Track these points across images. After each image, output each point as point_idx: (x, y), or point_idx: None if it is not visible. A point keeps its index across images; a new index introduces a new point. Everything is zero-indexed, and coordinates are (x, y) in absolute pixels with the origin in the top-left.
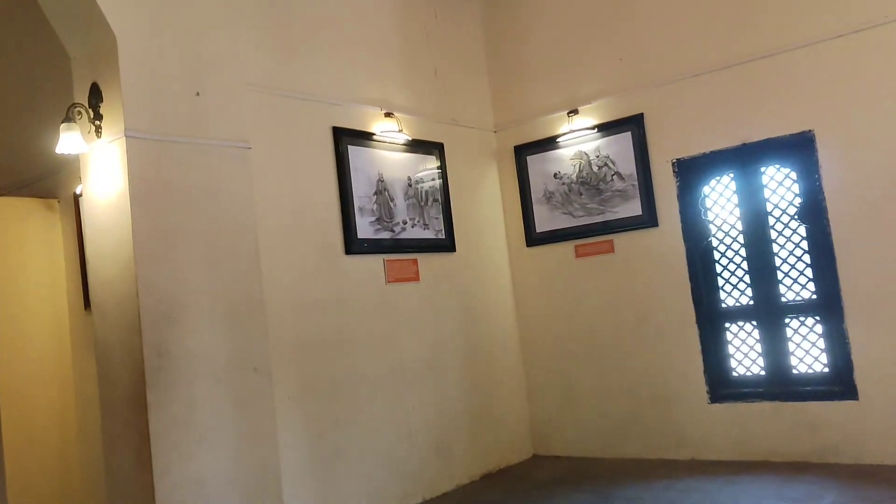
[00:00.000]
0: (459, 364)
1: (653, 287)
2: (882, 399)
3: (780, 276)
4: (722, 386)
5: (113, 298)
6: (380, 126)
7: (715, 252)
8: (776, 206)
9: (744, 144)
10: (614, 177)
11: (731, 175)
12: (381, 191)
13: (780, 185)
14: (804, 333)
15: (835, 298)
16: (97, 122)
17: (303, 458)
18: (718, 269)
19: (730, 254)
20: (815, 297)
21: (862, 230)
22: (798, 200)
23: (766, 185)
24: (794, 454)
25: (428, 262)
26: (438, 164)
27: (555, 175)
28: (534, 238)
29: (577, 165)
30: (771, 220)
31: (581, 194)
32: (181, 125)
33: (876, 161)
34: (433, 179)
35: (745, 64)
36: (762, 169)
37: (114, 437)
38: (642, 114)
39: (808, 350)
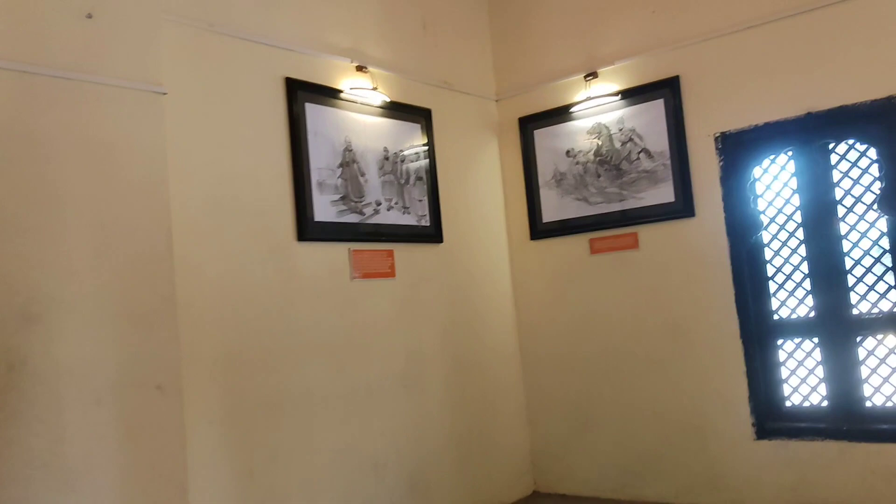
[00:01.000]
0: (443, 380)
1: (687, 292)
2: None
3: (851, 281)
4: (772, 418)
5: None
6: (349, 82)
7: (767, 250)
8: (848, 192)
9: (808, 114)
10: (641, 154)
11: (791, 153)
12: (349, 162)
13: (854, 165)
14: (882, 356)
15: None
16: None
17: None
18: (771, 271)
19: (785, 252)
20: None
21: None
22: (878, 185)
23: (835, 167)
24: None
25: (407, 255)
26: (424, 134)
27: (567, 153)
28: (540, 229)
29: (596, 141)
30: (841, 211)
31: (599, 176)
32: (64, 55)
33: None
34: (417, 153)
35: (812, 12)
36: (831, 145)
37: None
38: (678, 77)
39: (886, 377)
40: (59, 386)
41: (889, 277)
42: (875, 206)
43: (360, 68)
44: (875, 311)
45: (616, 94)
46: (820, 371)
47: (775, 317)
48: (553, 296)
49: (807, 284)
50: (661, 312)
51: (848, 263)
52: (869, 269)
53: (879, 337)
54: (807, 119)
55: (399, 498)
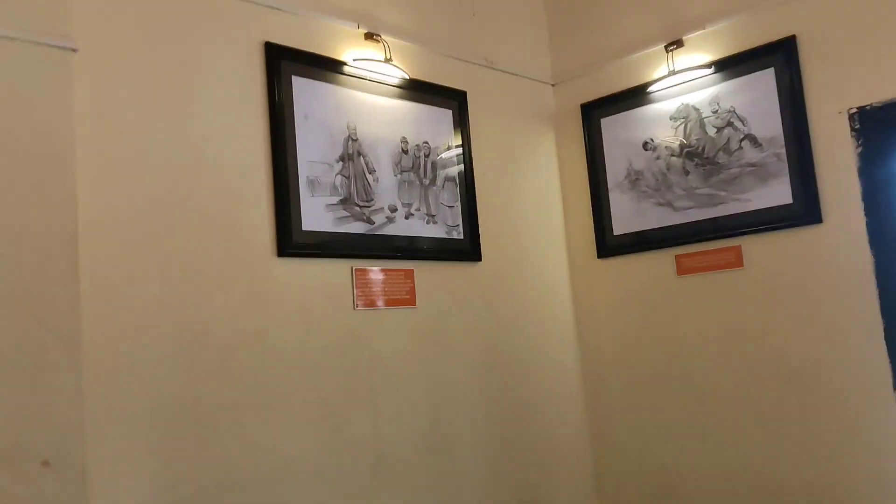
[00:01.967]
0: (481, 441)
1: (811, 325)
2: None
3: None
4: None
5: None
6: (355, 53)
7: None
8: None
9: None
10: (744, 143)
11: None
12: (352, 155)
13: None
14: None
15: None
16: None
17: None
18: None
19: None
20: None
21: None
22: None
23: None
24: None
25: (432, 276)
26: (457, 123)
27: (645, 145)
28: (610, 244)
29: (682, 128)
30: None
31: (688, 173)
32: None
33: None
34: (447, 146)
35: None
36: None
37: None
38: (793, 37)
39: None
40: None
41: None
42: None
43: (370, 36)
44: None
45: (708, 65)
46: None
47: None
48: (628, 330)
49: None
50: (775, 352)
51: None
52: None
53: None
54: None
55: None
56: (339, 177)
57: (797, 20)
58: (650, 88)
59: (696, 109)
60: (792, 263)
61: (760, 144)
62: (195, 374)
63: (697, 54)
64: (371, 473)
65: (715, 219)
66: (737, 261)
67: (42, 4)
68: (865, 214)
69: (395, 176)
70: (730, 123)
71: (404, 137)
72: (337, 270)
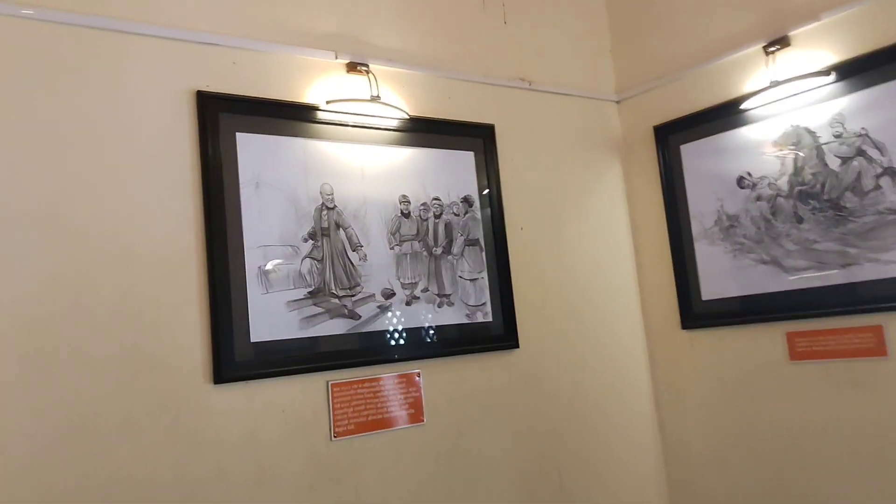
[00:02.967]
0: None
1: None
2: None
3: None
4: None
5: None
6: (332, 92)
7: None
8: None
9: None
10: (882, 179)
11: None
12: (327, 229)
13: None
14: None
15: None
16: None
17: None
18: None
19: None
20: None
21: None
22: None
23: None
24: None
25: (447, 378)
26: (482, 166)
27: (740, 181)
28: (697, 311)
29: (792, 159)
30: None
31: (801, 221)
32: None
33: None
34: (467, 200)
35: None
36: None
37: None
38: None
39: None
40: None
41: None
42: None
43: (353, 67)
44: None
45: (826, 71)
46: None
47: None
48: (725, 425)
49: None
50: None
51: None
52: None
53: None
54: None
55: None
56: (307, 261)
57: None
58: (745, 104)
59: (811, 133)
60: None
61: None
62: None
63: (810, 56)
64: None
65: (844, 286)
66: (877, 346)
67: None
68: None
69: (392, 249)
70: (861, 152)
71: (404, 196)
72: (305, 390)
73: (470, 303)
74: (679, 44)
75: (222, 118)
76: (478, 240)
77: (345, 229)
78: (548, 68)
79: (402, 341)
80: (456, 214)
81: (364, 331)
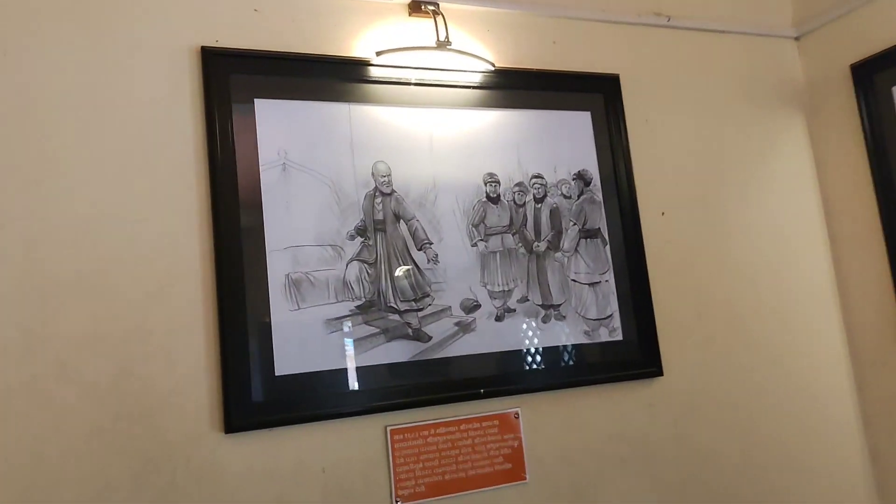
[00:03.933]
0: None
1: None
2: None
3: None
4: None
5: None
6: (386, 40)
7: None
8: None
9: None
10: None
11: None
12: (383, 221)
13: None
14: None
15: None
16: None
17: None
18: None
19: None
20: None
21: None
22: None
23: None
24: None
25: (559, 418)
26: (603, 132)
27: None
28: None
29: None
30: None
31: None
32: None
33: None
34: (581, 177)
35: None
36: None
37: None
38: None
39: None
40: None
41: None
42: None
43: (416, 7)
44: None
45: None
46: None
47: None
48: None
49: None
50: None
51: None
52: None
53: None
54: None
55: None
56: (354, 265)
57: None
58: None
59: None
60: None
61: None
62: None
63: None
64: None
65: None
66: None
67: None
68: None
69: (474, 245)
70: None
71: (491, 175)
72: (353, 440)
73: (589, 316)
74: None
75: (234, 81)
76: (599, 230)
77: (407, 222)
78: None
79: (491, 370)
80: (566, 197)
81: (436, 357)
